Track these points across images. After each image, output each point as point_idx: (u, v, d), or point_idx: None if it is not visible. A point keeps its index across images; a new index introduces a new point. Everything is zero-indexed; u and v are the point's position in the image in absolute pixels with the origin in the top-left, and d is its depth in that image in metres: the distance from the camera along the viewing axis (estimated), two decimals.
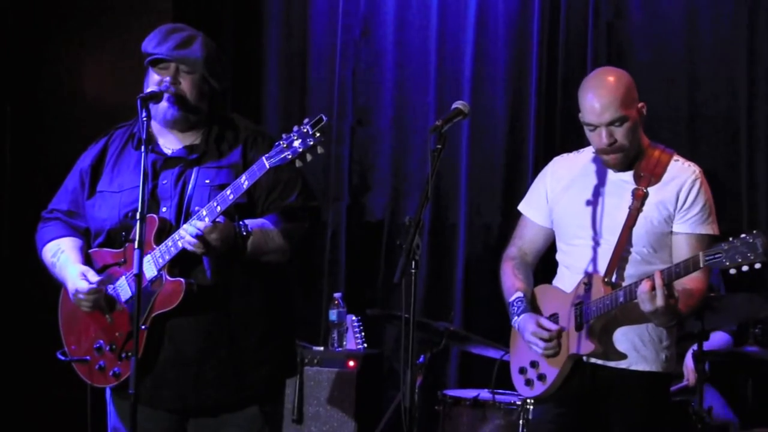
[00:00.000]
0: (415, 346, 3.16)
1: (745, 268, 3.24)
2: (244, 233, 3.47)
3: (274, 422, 3.71)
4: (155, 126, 3.66)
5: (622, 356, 3.60)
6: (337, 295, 5.58)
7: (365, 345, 5.49)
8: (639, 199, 3.60)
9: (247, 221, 3.50)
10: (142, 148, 3.40)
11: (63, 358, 3.71)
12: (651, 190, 3.61)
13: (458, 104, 3.35)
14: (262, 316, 3.62)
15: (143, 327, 3.45)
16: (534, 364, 3.70)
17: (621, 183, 3.65)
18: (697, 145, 5.46)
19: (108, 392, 3.70)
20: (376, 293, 5.94)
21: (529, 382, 3.73)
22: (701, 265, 3.33)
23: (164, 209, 3.56)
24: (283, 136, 3.33)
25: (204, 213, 3.41)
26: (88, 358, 3.64)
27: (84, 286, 3.54)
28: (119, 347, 3.57)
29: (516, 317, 3.72)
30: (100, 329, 3.63)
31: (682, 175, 3.63)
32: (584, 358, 3.62)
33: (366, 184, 6.06)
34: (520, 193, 5.66)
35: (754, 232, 3.24)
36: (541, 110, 5.73)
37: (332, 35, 6.10)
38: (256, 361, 3.60)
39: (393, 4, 5.99)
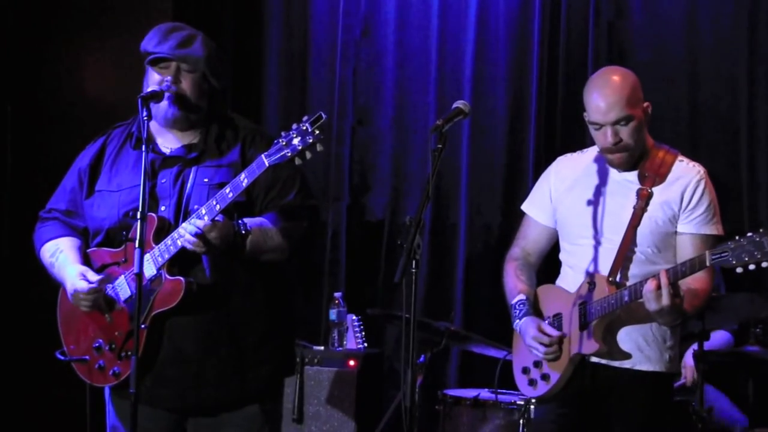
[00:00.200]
0: (416, 345, 3.15)
1: (751, 266, 3.24)
2: (243, 232, 3.47)
3: (274, 421, 3.71)
4: (154, 125, 3.65)
5: (626, 356, 3.60)
6: (337, 294, 5.58)
7: (365, 344, 5.49)
8: (643, 199, 3.60)
9: (246, 220, 3.50)
10: (143, 147, 3.40)
11: (62, 357, 3.70)
12: (656, 190, 3.61)
13: (459, 104, 3.35)
14: (262, 315, 3.61)
15: (143, 326, 3.45)
16: (537, 365, 3.70)
17: (626, 183, 3.66)
18: (698, 144, 5.46)
19: (107, 391, 3.69)
20: (377, 293, 5.94)
21: (532, 382, 3.73)
22: (707, 264, 3.33)
23: (163, 208, 3.56)
24: (282, 134, 3.32)
25: (203, 211, 3.41)
26: (87, 357, 3.63)
27: (83, 286, 3.54)
28: (119, 346, 3.56)
29: (518, 320, 3.72)
30: (100, 329, 3.62)
31: (686, 175, 3.63)
32: (588, 357, 3.62)
33: (366, 184, 6.06)
34: (521, 193, 5.72)
35: (761, 230, 3.24)
36: (542, 110, 5.74)
37: (333, 35, 6.10)
38: (256, 360, 3.60)
39: (393, 4, 5.99)
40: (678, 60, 5.58)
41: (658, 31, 5.61)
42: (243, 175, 3.38)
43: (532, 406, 4.49)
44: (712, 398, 4.75)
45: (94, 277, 3.56)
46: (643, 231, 3.60)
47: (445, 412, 4.78)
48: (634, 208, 3.61)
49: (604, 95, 3.56)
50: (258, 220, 3.55)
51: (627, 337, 3.61)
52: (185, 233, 3.39)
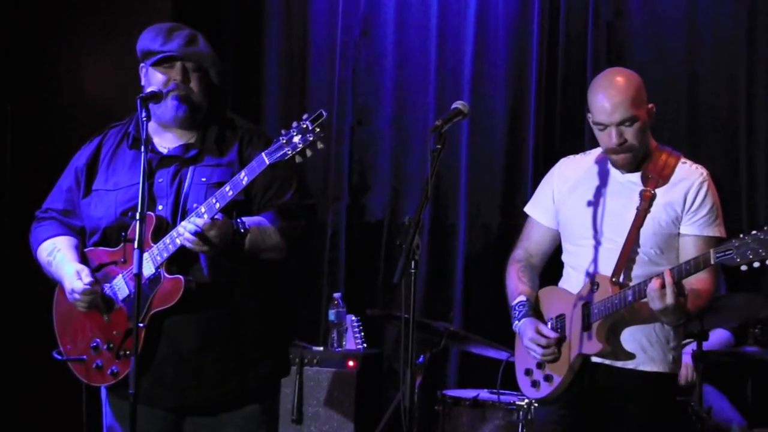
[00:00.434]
0: (415, 346, 3.16)
1: (756, 264, 3.25)
2: (242, 230, 3.46)
3: (272, 421, 3.71)
4: (151, 125, 3.65)
5: (630, 356, 3.60)
6: (336, 295, 5.58)
7: (365, 345, 5.49)
8: (647, 200, 3.61)
9: (244, 218, 3.50)
10: (141, 148, 3.39)
11: (59, 357, 3.70)
12: (659, 191, 3.62)
13: (458, 104, 3.35)
14: (260, 314, 3.62)
15: (141, 325, 3.44)
16: (540, 366, 3.69)
17: (629, 184, 3.66)
18: (697, 145, 5.46)
19: (103, 391, 3.69)
20: (376, 293, 5.94)
21: (535, 384, 3.72)
22: (712, 262, 3.34)
23: (160, 207, 3.56)
24: (282, 132, 3.32)
25: (203, 210, 3.41)
26: (84, 357, 3.63)
27: (79, 285, 3.54)
28: (117, 346, 3.56)
29: (517, 321, 3.72)
30: (97, 328, 3.62)
31: (689, 177, 3.64)
32: (591, 358, 3.62)
33: (366, 184, 6.06)
34: (520, 193, 5.74)
35: (765, 228, 3.25)
36: (541, 110, 5.74)
37: (332, 35, 6.10)
38: (254, 359, 3.60)
39: (393, 4, 5.99)
40: (677, 60, 5.58)
41: (657, 32, 5.62)
42: (243, 174, 3.38)
43: (527, 406, 4.50)
44: (710, 398, 4.75)
45: (88, 277, 3.55)
46: (646, 232, 3.60)
47: (444, 413, 4.78)
48: (637, 209, 3.61)
49: (610, 96, 3.57)
50: (256, 218, 3.55)
51: (630, 337, 3.62)
52: (185, 232, 3.39)
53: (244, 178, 3.37)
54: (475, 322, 5.66)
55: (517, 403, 4.58)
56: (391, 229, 5.96)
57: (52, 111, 5.91)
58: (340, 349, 5.45)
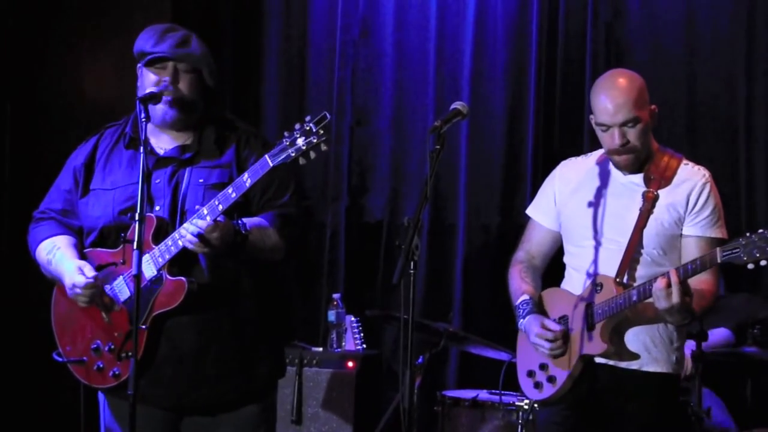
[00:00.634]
0: (414, 346, 3.16)
1: (763, 262, 3.25)
2: (243, 232, 3.47)
3: (270, 422, 3.72)
4: (149, 126, 3.65)
5: (634, 357, 3.61)
6: (336, 295, 5.58)
7: (364, 346, 5.50)
8: (649, 202, 3.61)
9: (245, 220, 3.50)
10: (141, 148, 3.39)
11: (59, 359, 3.69)
12: (661, 192, 3.63)
13: (457, 105, 3.35)
14: (258, 315, 3.63)
15: (143, 327, 3.45)
16: (543, 367, 3.69)
17: (631, 185, 3.67)
18: (696, 145, 5.47)
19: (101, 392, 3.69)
20: (375, 294, 5.94)
21: (538, 385, 3.72)
22: (719, 261, 3.34)
23: (158, 208, 3.56)
24: (285, 134, 3.32)
25: (205, 212, 3.41)
26: (85, 359, 3.63)
27: (81, 280, 3.53)
28: (118, 347, 3.56)
29: (522, 319, 3.72)
30: (98, 329, 3.62)
31: (692, 178, 3.64)
32: (594, 359, 3.62)
33: (365, 185, 6.06)
34: (519, 194, 5.74)
35: None
36: (540, 111, 5.74)
37: (331, 35, 6.10)
38: (253, 359, 3.61)
39: (392, 5, 6.00)
40: (676, 60, 5.59)
41: (656, 32, 5.62)
42: (246, 176, 3.38)
43: (528, 407, 4.50)
44: (705, 399, 4.75)
45: (91, 272, 3.55)
46: (649, 233, 3.61)
47: (443, 413, 4.79)
48: (640, 210, 3.62)
49: (613, 97, 3.58)
50: (256, 220, 3.56)
51: (634, 338, 3.62)
52: (187, 233, 3.40)
53: (247, 180, 3.38)
54: (474, 322, 5.66)
55: (517, 403, 4.58)
56: (390, 229, 5.96)
57: (51, 111, 5.91)
58: (339, 349, 5.46)
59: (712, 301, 3.62)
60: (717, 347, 4.80)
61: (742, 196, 5.41)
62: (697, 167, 3.69)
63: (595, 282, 3.61)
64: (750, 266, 3.28)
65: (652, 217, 3.61)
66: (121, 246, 3.55)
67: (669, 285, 3.38)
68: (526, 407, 4.53)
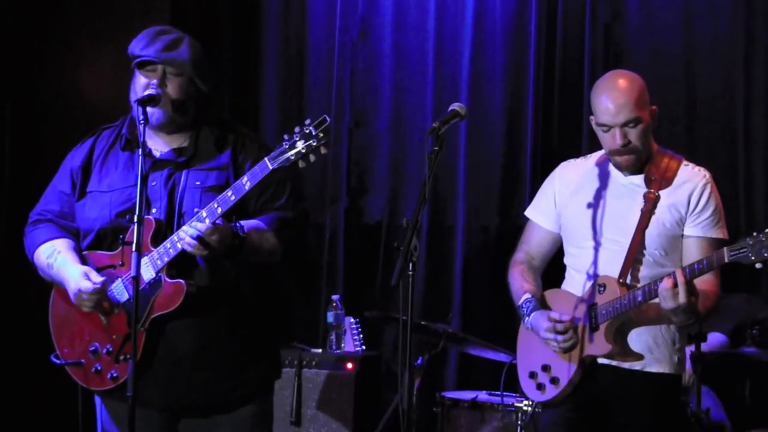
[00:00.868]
0: (413, 348, 3.16)
1: None
2: (242, 234, 3.47)
3: (266, 423, 3.72)
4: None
5: (637, 357, 3.61)
6: (335, 297, 5.58)
7: (363, 347, 5.50)
8: (651, 202, 3.62)
9: (242, 222, 3.51)
10: (139, 151, 3.40)
11: (57, 361, 3.68)
12: (662, 193, 3.63)
13: (455, 106, 3.35)
14: (255, 316, 3.63)
15: (142, 329, 3.45)
16: (546, 368, 3.68)
17: (632, 186, 3.67)
18: (695, 146, 5.47)
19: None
20: (374, 295, 5.93)
21: (540, 387, 3.71)
22: (726, 260, 3.34)
23: (154, 210, 3.56)
24: (285, 137, 3.32)
25: (204, 215, 3.41)
26: (83, 361, 3.62)
27: (87, 285, 3.53)
28: (116, 350, 3.56)
29: (527, 317, 3.71)
30: (96, 331, 3.62)
31: (693, 179, 3.65)
32: (597, 359, 3.62)
33: (364, 186, 6.06)
34: (518, 195, 5.74)
35: None
36: (539, 112, 5.74)
37: (330, 37, 6.10)
38: (249, 361, 3.61)
39: (391, 6, 6.00)
40: (674, 61, 5.59)
41: (654, 33, 5.63)
42: (245, 179, 3.38)
43: (528, 408, 4.50)
44: (705, 400, 4.75)
45: (97, 277, 3.55)
46: (651, 233, 3.61)
47: (443, 414, 4.79)
48: (641, 210, 3.62)
49: (614, 97, 3.58)
50: (253, 222, 3.56)
51: (637, 338, 3.62)
52: (186, 236, 3.40)
53: (246, 183, 3.38)
54: (473, 323, 5.67)
55: (516, 404, 4.58)
56: (389, 231, 5.96)
57: (51, 111, 5.90)
58: (338, 351, 5.46)
59: (715, 302, 3.63)
60: (712, 352, 4.80)
61: (740, 196, 5.42)
62: (697, 168, 3.70)
63: (598, 283, 3.62)
64: (758, 266, 3.28)
65: (653, 217, 3.62)
66: (120, 248, 3.55)
67: (676, 285, 3.38)
68: (525, 408, 4.53)
